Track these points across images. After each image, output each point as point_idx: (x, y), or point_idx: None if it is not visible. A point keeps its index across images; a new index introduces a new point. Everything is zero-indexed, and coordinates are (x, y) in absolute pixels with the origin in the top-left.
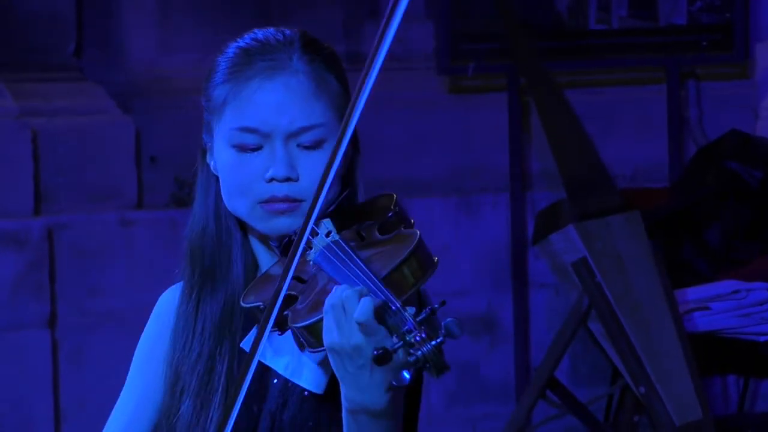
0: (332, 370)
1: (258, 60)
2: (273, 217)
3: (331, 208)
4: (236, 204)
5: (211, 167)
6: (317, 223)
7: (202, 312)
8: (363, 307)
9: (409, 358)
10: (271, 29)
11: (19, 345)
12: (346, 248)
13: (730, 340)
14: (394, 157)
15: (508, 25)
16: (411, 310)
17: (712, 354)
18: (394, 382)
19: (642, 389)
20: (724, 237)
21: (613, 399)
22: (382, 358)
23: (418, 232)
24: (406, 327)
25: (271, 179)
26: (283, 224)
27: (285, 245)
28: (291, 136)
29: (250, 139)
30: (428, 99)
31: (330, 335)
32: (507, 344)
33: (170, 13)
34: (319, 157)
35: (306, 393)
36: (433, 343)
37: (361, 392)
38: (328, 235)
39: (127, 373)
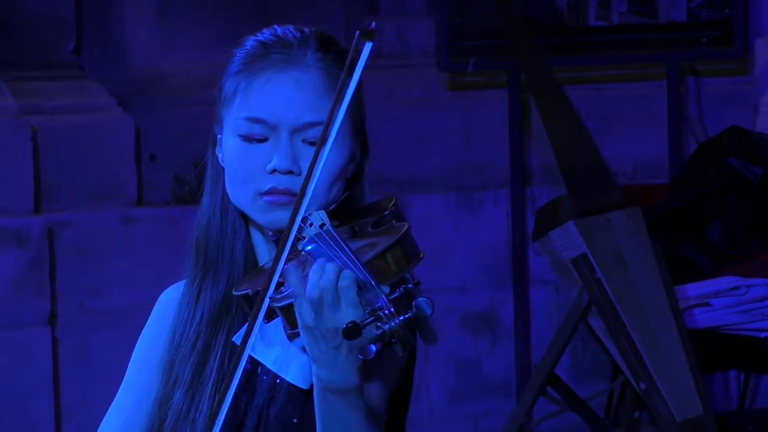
0: None
1: (273, 52)
2: (273, 209)
3: (332, 206)
4: (238, 193)
5: (219, 159)
6: (312, 214)
7: (202, 302)
8: (345, 275)
9: (376, 332)
10: (291, 26)
11: (19, 343)
12: (336, 237)
13: (730, 337)
14: (394, 154)
15: (508, 21)
16: (386, 289)
17: (712, 350)
18: (360, 356)
19: (642, 385)
20: (724, 233)
21: (613, 395)
22: (352, 331)
23: (408, 224)
24: (378, 304)
25: (274, 170)
26: (282, 217)
27: (281, 238)
28: (297, 130)
29: (257, 130)
30: (428, 96)
31: (308, 314)
32: (508, 341)
33: (170, 11)
34: None
35: (293, 389)
36: (401, 318)
37: (333, 371)
38: (322, 226)
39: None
